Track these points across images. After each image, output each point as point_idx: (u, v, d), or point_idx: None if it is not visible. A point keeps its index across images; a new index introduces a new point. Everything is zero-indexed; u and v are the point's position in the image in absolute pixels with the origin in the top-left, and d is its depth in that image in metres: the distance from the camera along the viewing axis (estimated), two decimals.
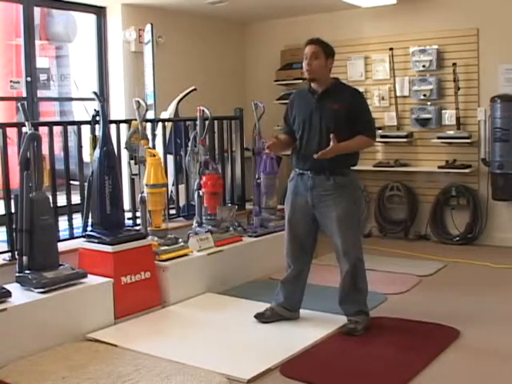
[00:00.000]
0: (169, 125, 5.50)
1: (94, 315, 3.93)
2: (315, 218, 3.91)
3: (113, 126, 4.83)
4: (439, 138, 6.40)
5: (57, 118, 6.73)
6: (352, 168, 3.91)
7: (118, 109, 6.13)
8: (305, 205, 3.91)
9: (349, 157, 3.83)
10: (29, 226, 3.80)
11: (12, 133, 4.32)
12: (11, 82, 5.49)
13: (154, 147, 5.02)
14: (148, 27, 5.89)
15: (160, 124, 5.39)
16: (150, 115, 5.56)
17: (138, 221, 4.80)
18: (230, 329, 3.96)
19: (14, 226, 3.98)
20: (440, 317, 4.07)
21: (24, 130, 4.01)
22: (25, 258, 3.84)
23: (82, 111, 6.17)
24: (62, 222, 4.55)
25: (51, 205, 4.07)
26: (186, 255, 4.60)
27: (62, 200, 4.62)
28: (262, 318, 4.04)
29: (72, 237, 4.57)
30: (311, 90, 3.91)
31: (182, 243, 4.65)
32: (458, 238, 6.39)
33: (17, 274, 3.84)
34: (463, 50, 6.26)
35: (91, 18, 6.19)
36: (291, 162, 4.03)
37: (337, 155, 3.71)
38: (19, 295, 3.65)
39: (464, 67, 6.27)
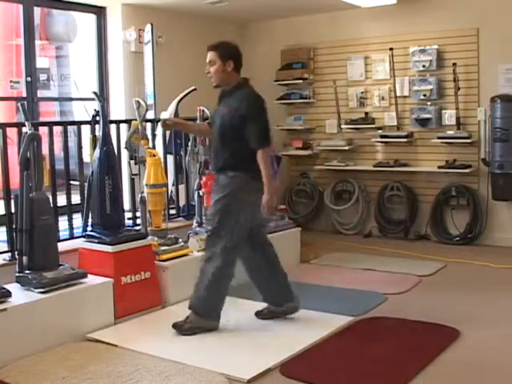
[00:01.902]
0: None
1: (94, 315, 3.93)
2: None
3: (113, 126, 4.83)
4: (439, 138, 6.39)
5: (57, 118, 6.73)
6: (243, 171, 3.78)
7: (118, 109, 6.13)
8: None
9: (235, 158, 3.81)
10: (29, 226, 3.80)
11: (12, 133, 4.32)
12: (11, 81, 5.49)
13: (153, 147, 5.02)
14: (148, 27, 5.89)
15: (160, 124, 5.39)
16: (150, 115, 5.56)
17: (138, 221, 4.80)
18: (229, 329, 3.96)
19: (14, 226, 3.98)
20: (440, 317, 4.07)
21: (24, 130, 4.01)
22: (25, 258, 3.84)
23: (82, 111, 6.17)
24: (62, 222, 4.55)
25: (51, 205, 4.07)
26: (185, 255, 4.60)
27: (62, 200, 4.62)
28: (260, 314, 4.12)
29: (72, 237, 4.58)
30: (221, 92, 3.98)
31: (182, 243, 4.66)
32: (458, 238, 6.38)
33: (17, 274, 3.84)
34: (463, 50, 6.26)
35: (91, 18, 6.20)
36: None
37: (223, 154, 3.82)
38: (19, 295, 3.65)
39: (464, 67, 6.27)
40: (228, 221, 3.82)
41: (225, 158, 3.83)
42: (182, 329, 3.85)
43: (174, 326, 3.87)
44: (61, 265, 3.93)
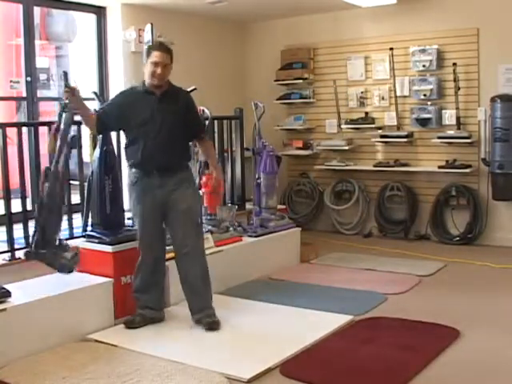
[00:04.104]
0: None
1: (94, 315, 3.93)
2: (163, 217, 3.99)
3: None
4: (439, 137, 6.39)
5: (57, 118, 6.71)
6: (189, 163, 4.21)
7: None
8: (153, 203, 3.94)
9: (188, 152, 4.17)
10: None
11: (12, 133, 4.32)
12: (11, 81, 5.49)
13: None
14: (148, 27, 5.88)
15: None
16: None
17: None
18: (230, 329, 3.96)
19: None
20: (440, 317, 4.07)
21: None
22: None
23: None
24: (62, 222, 4.54)
25: None
26: None
27: None
28: (132, 324, 4.01)
29: (72, 237, 4.57)
30: (149, 90, 3.95)
31: None
32: (458, 238, 6.38)
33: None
34: (463, 49, 6.26)
35: (91, 18, 6.20)
36: (130, 163, 4.03)
37: (176, 151, 3.96)
38: (19, 295, 3.65)
39: (464, 67, 6.27)
40: (201, 214, 4.38)
41: (183, 151, 4.05)
42: (219, 323, 3.95)
43: (214, 327, 3.91)
44: None
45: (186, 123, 3.98)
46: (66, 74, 3.83)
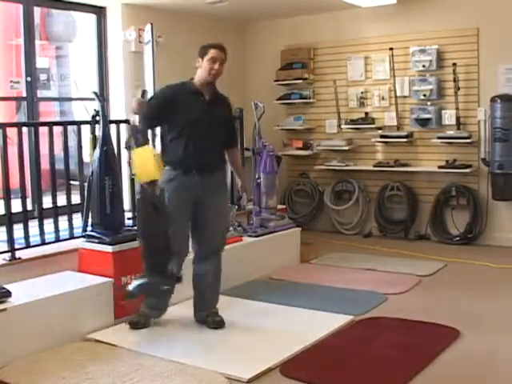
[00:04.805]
0: None
1: (94, 315, 3.93)
2: (193, 215, 3.96)
3: (113, 126, 4.82)
4: (439, 137, 6.39)
5: (57, 118, 6.72)
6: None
7: (118, 109, 6.12)
8: (189, 200, 3.92)
9: (223, 154, 4.12)
10: None
11: (12, 133, 4.32)
12: (11, 81, 5.49)
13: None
14: (148, 27, 5.87)
15: None
16: None
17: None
18: (230, 329, 3.96)
19: None
20: (440, 317, 4.07)
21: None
22: None
23: (82, 111, 6.16)
24: (62, 222, 4.55)
25: None
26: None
27: (62, 200, 4.62)
28: (137, 325, 3.98)
29: (72, 237, 4.57)
30: (199, 91, 3.98)
31: None
32: (458, 238, 6.38)
33: None
34: (463, 49, 6.26)
35: (91, 18, 6.20)
36: (168, 160, 3.92)
37: (216, 153, 4.00)
38: (19, 295, 3.65)
39: (464, 67, 6.27)
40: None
41: (221, 154, 4.07)
42: (224, 321, 3.98)
43: (219, 325, 3.95)
44: None
45: (226, 129, 4.06)
46: (144, 92, 4.16)
